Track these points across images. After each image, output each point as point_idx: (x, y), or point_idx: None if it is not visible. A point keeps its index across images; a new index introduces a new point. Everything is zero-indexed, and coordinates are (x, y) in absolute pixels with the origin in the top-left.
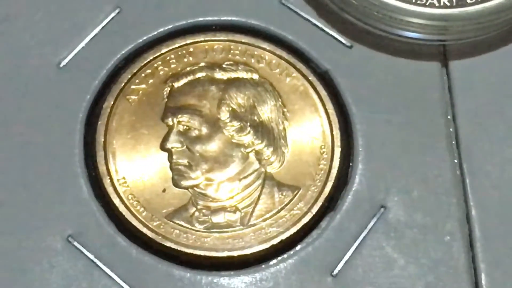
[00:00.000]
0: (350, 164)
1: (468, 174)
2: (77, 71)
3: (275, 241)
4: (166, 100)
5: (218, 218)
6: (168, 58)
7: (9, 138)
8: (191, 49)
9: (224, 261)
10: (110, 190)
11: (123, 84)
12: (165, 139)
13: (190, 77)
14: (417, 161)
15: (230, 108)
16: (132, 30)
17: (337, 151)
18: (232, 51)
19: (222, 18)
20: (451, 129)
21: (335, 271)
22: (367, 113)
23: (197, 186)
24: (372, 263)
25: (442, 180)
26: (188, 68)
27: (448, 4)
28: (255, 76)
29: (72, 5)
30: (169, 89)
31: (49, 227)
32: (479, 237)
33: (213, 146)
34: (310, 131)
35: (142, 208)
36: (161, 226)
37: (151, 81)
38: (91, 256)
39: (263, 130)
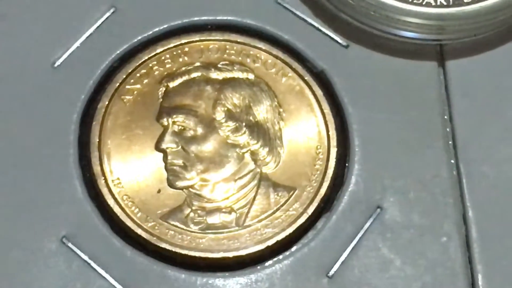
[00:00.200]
0: (346, 164)
1: (464, 175)
2: (72, 71)
3: (271, 242)
4: (161, 100)
5: (213, 219)
6: (163, 58)
7: (3, 138)
8: (187, 49)
9: (219, 262)
10: (104, 190)
11: (118, 84)
12: (160, 139)
13: (185, 77)
14: (414, 162)
15: (226, 108)
16: (127, 30)
17: (333, 151)
18: (227, 51)
19: (218, 18)
20: (447, 129)
21: (331, 272)
22: (364, 113)
23: (192, 186)
24: (368, 264)
25: (439, 181)
26: (183, 68)
27: (445, 3)
28: (251, 76)
29: (67, 4)
30: (164, 89)
31: (43, 228)
32: (476, 238)
33: (209, 147)
34: (306, 131)
35: (137, 209)
36: (156, 227)
37: (146, 81)
38: (86, 257)
39: (258, 130)
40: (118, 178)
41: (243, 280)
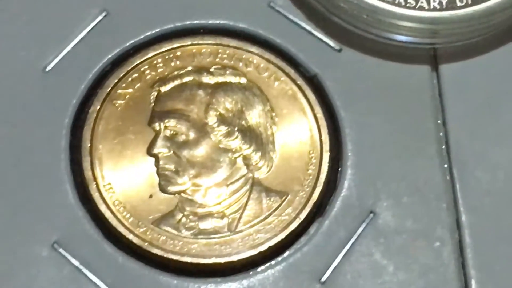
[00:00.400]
0: (339, 169)
1: (458, 179)
2: (63, 75)
3: (263, 248)
4: (153, 104)
5: (205, 224)
6: (155, 62)
7: None
8: (179, 53)
9: (211, 267)
10: (96, 196)
11: (110, 88)
12: (152, 144)
13: (177, 82)
14: (407, 166)
15: (218, 113)
16: (119, 34)
17: (326, 156)
18: (220, 55)
19: (210, 22)
20: (441, 134)
21: (324, 278)
22: (356, 117)
23: (184, 191)
24: (361, 269)
25: (432, 185)
26: (176, 72)
27: (438, 7)
28: (243, 80)
29: (58, 8)
30: (156, 93)
31: (34, 233)
32: (469, 243)
33: (201, 151)
34: (298, 135)
35: (129, 214)
36: (148, 233)
37: (138, 85)
38: (77, 263)
39: (251, 135)
40: (110, 183)
41: (235, 286)
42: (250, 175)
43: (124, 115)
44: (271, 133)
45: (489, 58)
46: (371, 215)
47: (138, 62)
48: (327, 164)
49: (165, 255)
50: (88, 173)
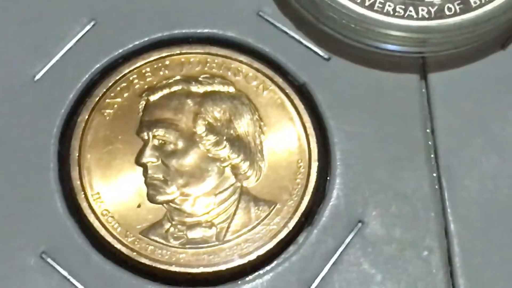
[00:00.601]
0: (328, 178)
1: (446, 188)
2: (52, 85)
3: (252, 257)
4: (142, 114)
5: (194, 234)
6: (143, 71)
7: None
8: (167, 62)
9: (200, 277)
10: (84, 205)
11: (98, 97)
12: (140, 153)
13: (166, 91)
14: (395, 175)
15: (206, 122)
16: (108, 43)
17: (314, 165)
18: (208, 64)
19: (199, 31)
20: (430, 143)
21: (312, 287)
22: (345, 126)
23: (172, 201)
24: (349, 279)
25: (420, 194)
26: (164, 82)
27: (427, 16)
28: (232, 89)
29: (47, 17)
30: (144, 102)
31: (22, 243)
32: (457, 252)
33: (189, 161)
34: (287, 145)
35: (117, 224)
36: (136, 242)
37: (126, 94)
38: (65, 273)
39: (239, 144)
40: (98, 193)
41: None
42: (239, 184)
43: (113, 124)
44: (259, 142)
45: (477, 67)
46: (360, 224)
47: (126, 71)
48: (316, 173)
49: (153, 265)
50: (76, 183)
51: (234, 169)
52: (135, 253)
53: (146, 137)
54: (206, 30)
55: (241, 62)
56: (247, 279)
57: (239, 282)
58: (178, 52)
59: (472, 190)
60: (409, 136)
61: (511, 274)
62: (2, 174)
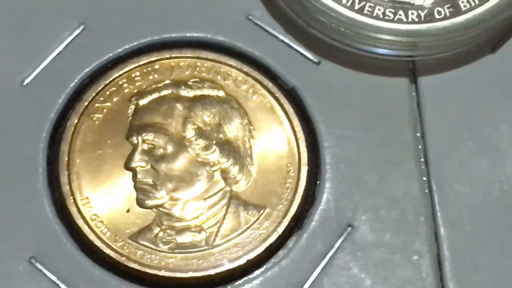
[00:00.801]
0: (317, 182)
1: (436, 192)
2: (41, 89)
3: (241, 261)
4: (131, 118)
5: (183, 238)
6: (133, 75)
7: None
8: (157, 66)
9: (189, 282)
10: (73, 210)
11: (88, 102)
12: (130, 158)
13: (155, 95)
14: (385, 179)
15: (196, 126)
16: (97, 48)
17: (304, 169)
18: (198, 68)
19: (188, 35)
20: (420, 146)
21: None
22: (335, 130)
23: (162, 205)
24: (339, 283)
25: (410, 198)
26: (154, 86)
27: (417, 19)
28: (221, 94)
29: (36, 22)
30: (134, 107)
31: (11, 248)
32: (447, 256)
33: (178, 165)
34: (276, 149)
35: (106, 229)
36: (125, 247)
37: (115, 99)
38: (54, 278)
39: (229, 148)
40: (87, 198)
41: None
42: (228, 188)
43: (102, 129)
44: (249, 146)
45: (468, 70)
46: (349, 228)
47: (116, 75)
48: (305, 178)
49: (142, 270)
50: (65, 188)
51: (224, 173)
52: (124, 258)
53: (135, 142)
54: (195, 34)
55: (230, 66)
56: (236, 283)
57: (229, 286)
58: (168, 56)
59: (462, 193)
60: (399, 140)
61: (501, 278)
62: None
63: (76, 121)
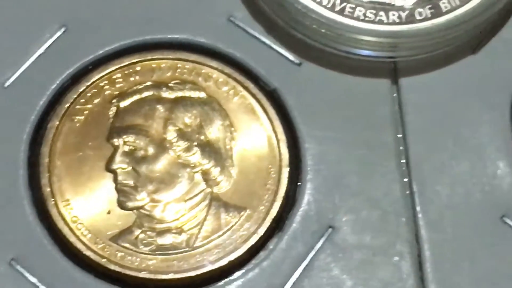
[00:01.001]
0: (298, 183)
1: (417, 193)
2: (22, 91)
3: (222, 263)
4: (112, 120)
5: (164, 240)
6: (114, 77)
7: None
8: (138, 68)
9: (170, 283)
10: (54, 212)
11: (69, 104)
12: (111, 159)
13: (137, 97)
14: (366, 180)
15: (177, 128)
16: (78, 49)
17: (285, 170)
18: (179, 70)
19: (169, 36)
20: (401, 148)
21: None
22: (316, 132)
23: (142, 207)
24: (320, 284)
25: (391, 200)
26: (135, 87)
27: (397, 20)
28: (203, 95)
29: (17, 24)
30: (115, 108)
31: None
32: (428, 258)
33: (159, 166)
34: (257, 150)
35: (87, 231)
36: (106, 249)
37: (97, 101)
38: (35, 280)
39: (210, 150)
40: (68, 200)
41: None
42: (209, 190)
43: (83, 130)
44: (230, 148)
45: (449, 71)
46: (330, 229)
47: (97, 77)
48: (286, 179)
49: (123, 271)
50: (46, 189)
51: (205, 175)
52: (104, 260)
53: (116, 143)
54: (177, 36)
55: (212, 67)
56: (217, 285)
57: None
58: (149, 57)
59: (443, 195)
60: (380, 141)
61: (482, 279)
62: None
63: (57, 123)
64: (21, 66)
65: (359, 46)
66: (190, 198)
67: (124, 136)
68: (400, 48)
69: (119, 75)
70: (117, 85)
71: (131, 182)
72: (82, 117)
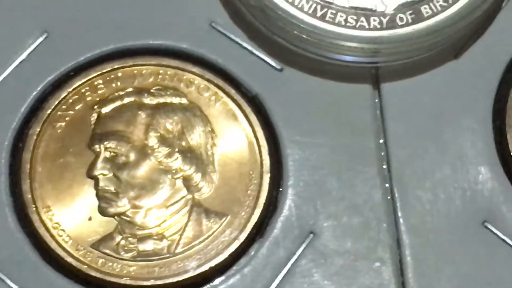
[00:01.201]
0: (280, 189)
1: (399, 199)
2: (3, 98)
3: (203, 269)
4: (93, 126)
5: (145, 246)
6: (96, 83)
7: None
8: (120, 74)
9: None
10: (35, 218)
11: (50, 110)
12: (92, 166)
13: (118, 103)
14: (347, 186)
15: (158, 134)
16: (60, 55)
17: (266, 176)
18: (161, 76)
19: (151, 42)
20: (382, 153)
21: None
22: (297, 137)
23: (124, 213)
24: None
25: (373, 205)
26: (116, 94)
27: (379, 26)
28: (184, 101)
29: None
30: (96, 115)
31: None
32: (409, 263)
33: (141, 173)
34: (239, 156)
35: (68, 237)
36: (87, 255)
37: (78, 107)
38: (16, 287)
39: (191, 155)
40: (49, 206)
41: None
42: (190, 196)
43: (64, 137)
44: (211, 153)
45: (431, 77)
46: (311, 235)
47: (78, 83)
48: (268, 185)
49: (104, 278)
50: (27, 196)
51: (186, 181)
52: (85, 266)
53: (97, 150)
54: (158, 42)
55: (193, 73)
56: None
57: None
58: (131, 63)
59: (424, 200)
60: (361, 146)
61: (463, 285)
62: None
63: (38, 129)
64: (2, 73)
65: (340, 51)
66: (172, 204)
67: (106, 142)
68: (381, 53)
69: (100, 81)
70: (99, 91)
71: (112, 188)
72: (64, 123)
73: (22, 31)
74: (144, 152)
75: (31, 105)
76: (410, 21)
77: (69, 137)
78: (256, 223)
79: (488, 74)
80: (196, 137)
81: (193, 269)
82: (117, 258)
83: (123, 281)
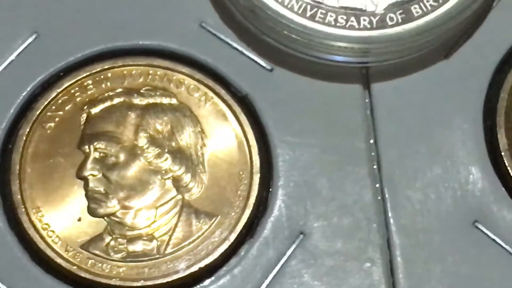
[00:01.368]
0: (270, 190)
1: (389, 199)
2: None
3: (193, 269)
4: (83, 127)
5: (134, 247)
6: (85, 84)
7: None
8: (109, 74)
9: None
10: (24, 219)
11: (39, 111)
12: (82, 166)
13: (108, 103)
14: (338, 186)
15: (148, 134)
16: (50, 56)
17: (256, 177)
18: (150, 76)
19: (141, 42)
20: (372, 153)
21: None
22: (288, 138)
23: (113, 214)
24: None
25: (363, 206)
26: (106, 94)
27: (369, 26)
28: (174, 101)
29: None
30: (86, 115)
31: None
32: (400, 264)
33: (130, 173)
34: (229, 156)
35: (57, 238)
36: (76, 256)
37: (68, 107)
38: None
39: (181, 156)
40: (38, 207)
41: None
42: (180, 197)
43: (54, 137)
44: (201, 154)
45: (421, 76)
46: (301, 236)
47: (68, 84)
48: (258, 185)
49: (93, 279)
50: (16, 197)
51: (176, 181)
52: (75, 267)
53: (87, 150)
54: (148, 42)
55: (183, 73)
56: None
57: None
58: (121, 64)
59: (414, 200)
60: (352, 146)
61: (453, 285)
62: None
63: (27, 130)
64: None
65: (330, 51)
66: (161, 205)
67: (95, 143)
68: (371, 53)
69: (90, 81)
70: (88, 92)
71: (101, 189)
72: (53, 124)
73: (12, 32)
74: (133, 152)
75: (20, 105)
76: (400, 21)
77: (58, 137)
78: (246, 223)
79: (479, 74)
80: (186, 138)
81: (183, 269)
82: (107, 259)
83: (112, 282)
